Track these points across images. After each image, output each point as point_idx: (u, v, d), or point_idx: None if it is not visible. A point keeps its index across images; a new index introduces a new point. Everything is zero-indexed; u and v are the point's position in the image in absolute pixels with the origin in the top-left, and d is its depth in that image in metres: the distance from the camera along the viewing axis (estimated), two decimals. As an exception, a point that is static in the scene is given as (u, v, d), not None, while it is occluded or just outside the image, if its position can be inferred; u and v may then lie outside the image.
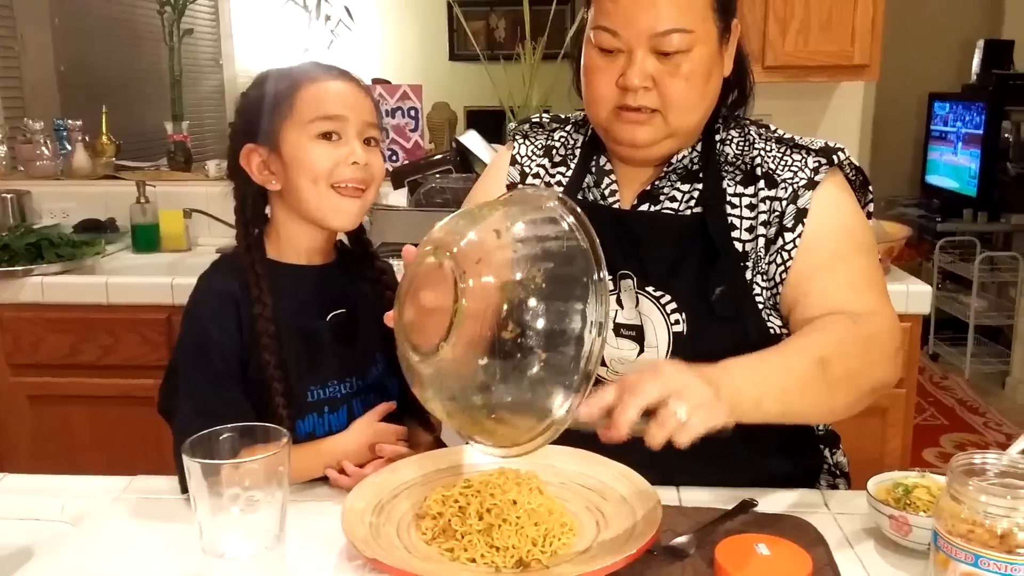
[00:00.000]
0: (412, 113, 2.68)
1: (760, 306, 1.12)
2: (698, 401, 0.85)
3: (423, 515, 0.96)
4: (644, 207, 1.17)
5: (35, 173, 2.75)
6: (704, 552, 0.90)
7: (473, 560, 0.88)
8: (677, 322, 1.11)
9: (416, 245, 0.89)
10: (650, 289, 1.13)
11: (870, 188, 1.18)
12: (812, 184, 1.11)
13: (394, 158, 2.70)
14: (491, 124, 2.84)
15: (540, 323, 0.78)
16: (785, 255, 1.11)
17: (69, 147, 2.80)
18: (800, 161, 1.14)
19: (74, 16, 3.50)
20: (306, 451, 1.10)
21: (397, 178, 2.48)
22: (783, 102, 2.69)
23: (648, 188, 1.17)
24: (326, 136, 1.11)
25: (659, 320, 1.12)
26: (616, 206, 1.19)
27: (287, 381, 1.10)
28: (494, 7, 5.03)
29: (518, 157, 1.29)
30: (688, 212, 1.15)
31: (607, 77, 1.10)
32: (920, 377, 4.15)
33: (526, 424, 0.83)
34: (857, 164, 1.16)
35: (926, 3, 4.94)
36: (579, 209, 0.85)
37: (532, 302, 0.79)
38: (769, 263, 1.12)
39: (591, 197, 1.21)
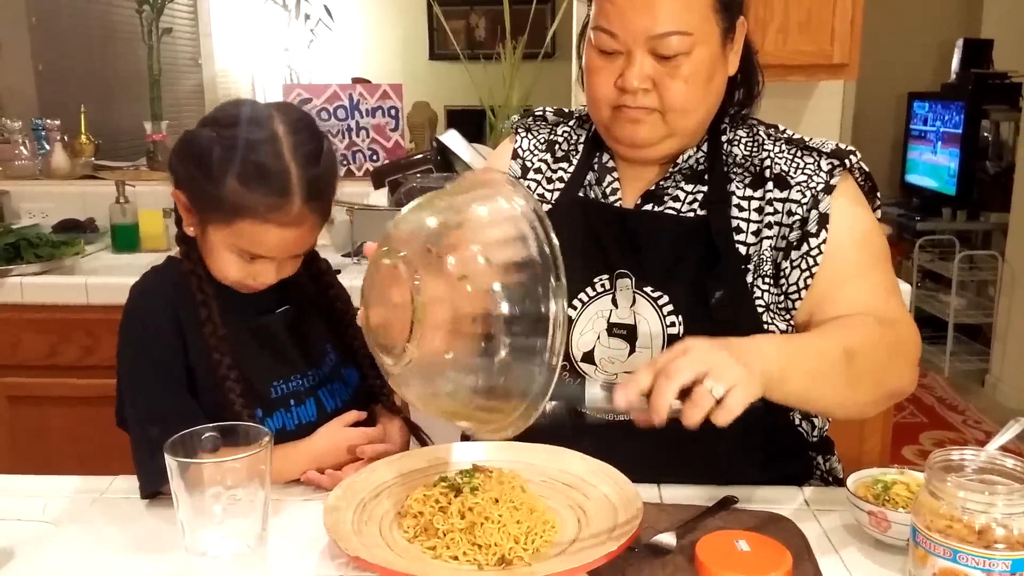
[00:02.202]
0: (392, 112, 2.68)
1: (761, 310, 1.11)
2: (734, 380, 0.84)
3: (404, 513, 0.96)
4: (648, 207, 1.16)
5: (13, 173, 2.73)
6: (685, 548, 0.91)
7: (455, 558, 0.88)
8: (673, 324, 1.11)
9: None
10: (648, 289, 1.12)
11: (878, 194, 1.17)
12: (829, 188, 1.10)
13: (374, 158, 2.69)
14: (471, 123, 2.85)
15: (501, 311, 0.78)
16: (811, 260, 1.09)
17: (48, 147, 2.78)
18: (813, 164, 1.12)
19: (52, 15, 3.46)
20: (276, 455, 1.09)
21: (378, 178, 2.48)
22: (763, 101, 2.70)
23: (652, 188, 1.16)
24: (245, 260, 1.10)
25: (655, 321, 1.11)
26: (618, 205, 1.18)
27: (246, 380, 1.10)
28: (474, 6, 5.03)
29: (520, 151, 1.27)
30: (691, 214, 1.14)
31: (606, 78, 1.10)
32: (900, 374, 4.19)
33: (502, 412, 0.83)
34: (867, 169, 1.15)
35: (905, 3, 4.99)
36: (527, 188, 0.85)
37: (490, 292, 0.78)
38: (793, 268, 1.10)
39: (592, 195, 1.20)
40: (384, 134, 2.69)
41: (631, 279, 1.13)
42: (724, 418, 0.84)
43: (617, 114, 1.11)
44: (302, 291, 1.22)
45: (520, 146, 1.27)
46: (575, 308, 1.14)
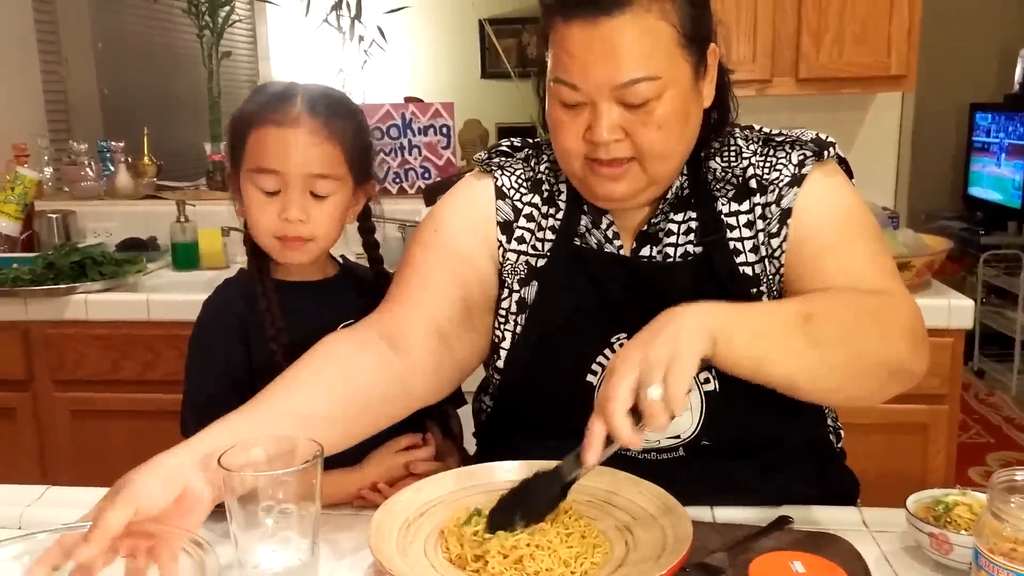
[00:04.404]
0: (444, 130, 2.70)
1: None
2: (662, 369, 0.82)
3: (447, 539, 0.94)
4: (645, 249, 1.09)
5: (79, 193, 2.82)
6: (738, 570, 0.89)
7: (501, 579, 0.87)
8: (707, 380, 1.04)
9: None
10: None
11: (852, 182, 1.09)
12: (797, 180, 1.04)
13: (426, 175, 2.72)
14: (523, 140, 2.85)
15: None
16: (777, 263, 1.04)
17: (112, 168, 2.86)
18: (784, 158, 1.06)
19: (116, 40, 3.59)
20: (328, 480, 1.10)
21: (430, 195, 2.50)
22: (818, 115, 2.67)
23: (645, 229, 1.09)
24: (265, 190, 1.11)
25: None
26: (621, 251, 1.10)
27: None
28: (526, 24, 5.06)
29: (506, 189, 1.14)
30: (690, 247, 1.07)
31: (573, 132, 1.01)
32: (965, 394, 4.07)
33: None
34: (843, 156, 1.09)
35: (964, 12, 4.87)
36: None
37: None
38: (769, 275, 1.05)
39: (593, 241, 1.10)
40: (436, 152, 2.72)
41: None
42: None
43: (591, 169, 1.02)
44: (363, 307, 1.23)
45: (503, 184, 1.14)
46: (595, 374, 1.07)
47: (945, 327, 2.01)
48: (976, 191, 4.85)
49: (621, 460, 1.06)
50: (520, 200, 1.14)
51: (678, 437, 1.07)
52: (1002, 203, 4.55)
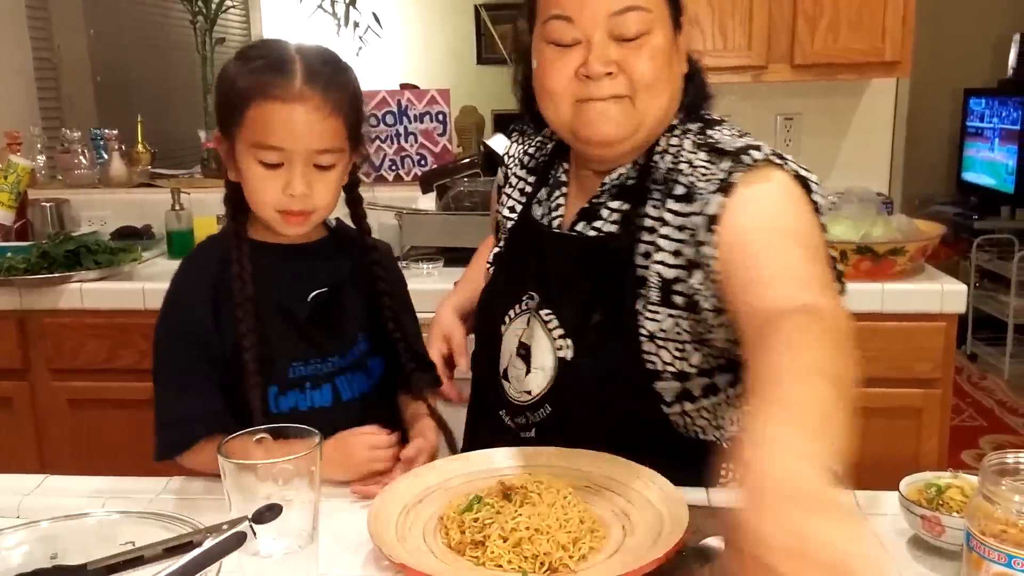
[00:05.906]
0: (440, 117, 2.70)
1: (644, 339, 1.04)
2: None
3: (446, 526, 0.95)
4: (580, 224, 1.11)
5: (73, 182, 2.81)
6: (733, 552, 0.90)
7: (500, 566, 0.88)
8: (561, 348, 1.09)
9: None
10: (544, 312, 1.11)
11: (812, 183, 1.01)
12: (724, 188, 0.98)
13: (422, 162, 2.72)
14: (519, 127, 2.85)
15: None
16: (708, 271, 0.99)
17: (106, 156, 2.85)
18: (714, 166, 1.03)
19: (109, 27, 3.57)
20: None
21: (425, 183, 2.50)
22: (813, 101, 2.66)
23: (586, 206, 1.12)
24: (267, 164, 1.10)
25: (545, 344, 1.10)
26: (556, 222, 1.15)
27: (269, 355, 1.12)
28: (521, 10, 5.05)
29: (507, 157, 1.28)
30: (602, 233, 1.09)
31: (564, 71, 1.03)
32: (958, 378, 4.09)
33: None
34: (789, 157, 1.03)
35: (959, -2, 4.88)
36: None
37: None
38: (699, 288, 1.01)
39: (538, 212, 1.18)
40: (432, 139, 2.71)
41: (534, 299, 1.13)
42: None
43: (582, 109, 1.03)
44: (348, 271, 1.23)
45: (509, 151, 1.28)
46: (505, 324, 1.17)
47: (938, 311, 2.02)
48: (969, 176, 4.86)
49: (501, 434, 1.14)
50: (513, 169, 1.26)
51: (529, 393, 1.12)
52: (995, 188, 4.57)
